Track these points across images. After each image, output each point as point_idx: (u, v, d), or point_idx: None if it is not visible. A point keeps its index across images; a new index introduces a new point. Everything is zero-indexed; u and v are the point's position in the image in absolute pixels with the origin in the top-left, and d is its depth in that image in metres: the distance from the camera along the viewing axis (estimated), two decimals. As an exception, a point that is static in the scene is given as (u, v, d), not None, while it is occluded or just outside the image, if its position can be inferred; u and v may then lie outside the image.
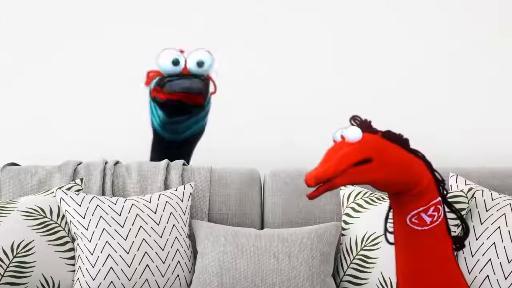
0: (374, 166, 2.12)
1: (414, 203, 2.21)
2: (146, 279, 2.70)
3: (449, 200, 2.70)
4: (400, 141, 2.23)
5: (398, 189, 2.21)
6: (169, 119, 3.09)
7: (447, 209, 2.30)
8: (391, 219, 2.30)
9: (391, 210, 2.30)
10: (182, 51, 3.09)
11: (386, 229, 2.33)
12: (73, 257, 2.74)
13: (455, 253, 2.69)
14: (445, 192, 2.27)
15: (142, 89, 3.25)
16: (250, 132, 3.50)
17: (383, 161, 2.14)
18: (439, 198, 2.24)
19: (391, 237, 2.30)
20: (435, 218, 2.23)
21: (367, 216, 2.76)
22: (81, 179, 2.90)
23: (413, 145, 2.28)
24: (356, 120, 2.19)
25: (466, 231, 2.39)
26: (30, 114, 3.60)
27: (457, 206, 2.69)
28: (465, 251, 2.69)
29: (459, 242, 2.34)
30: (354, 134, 2.13)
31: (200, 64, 3.03)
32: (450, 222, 2.38)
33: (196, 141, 3.21)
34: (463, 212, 2.69)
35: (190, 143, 3.19)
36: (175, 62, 3.02)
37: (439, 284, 2.29)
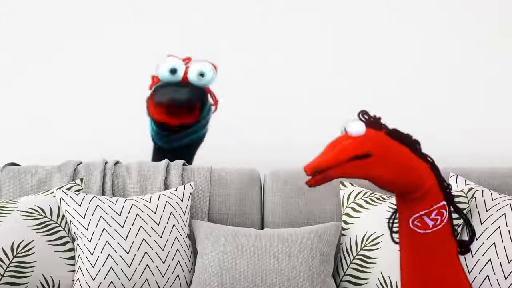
0: (372, 162, 2.11)
1: (416, 206, 2.21)
2: (146, 279, 2.69)
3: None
4: (406, 141, 2.22)
5: (397, 189, 2.21)
6: (161, 132, 3.09)
7: (455, 214, 2.30)
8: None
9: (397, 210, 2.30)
10: (188, 59, 3.07)
11: (391, 229, 2.33)
12: (73, 257, 2.74)
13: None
14: (452, 197, 2.27)
15: (141, 90, 3.24)
16: (250, 132, 3.49)
17: (382, 159, 2.13)
18: (443, 203, 2.23)
19: (396, 237, 2.30)
20: (437, 222, 2.22)
21: (367, 216, 2.76)
22: (81, 179, 2.89)
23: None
24: (364, 115, 2.18)
25: (471, 235, 2.38)
26: (30, 114, 3.60)
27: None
28: (465, 251, 2.69)
29: (464, 246, 2.34)
30: (357, 128, 2.12)
31: (201, 74, 3.02)
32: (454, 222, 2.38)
33: (196, 146, 3.19)
34: (463, 212, 2.69)
35: (189, 149, 3.18)
36: (173, 71, 3.01)
37: (441, 286, 2.28)
